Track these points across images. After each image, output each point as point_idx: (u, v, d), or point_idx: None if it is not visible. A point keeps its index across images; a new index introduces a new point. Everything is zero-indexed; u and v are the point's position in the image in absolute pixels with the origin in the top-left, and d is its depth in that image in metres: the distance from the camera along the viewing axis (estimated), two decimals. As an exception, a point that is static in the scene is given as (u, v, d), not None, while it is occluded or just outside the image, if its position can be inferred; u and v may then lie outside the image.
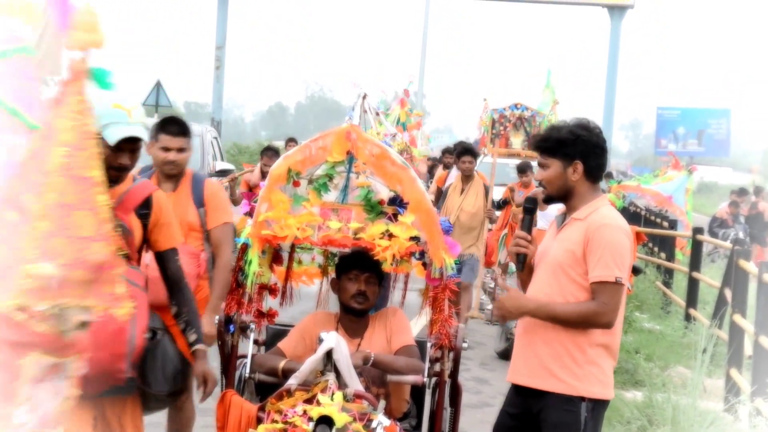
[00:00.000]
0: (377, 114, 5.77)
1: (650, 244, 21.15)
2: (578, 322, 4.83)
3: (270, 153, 12.84)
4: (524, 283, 5.14)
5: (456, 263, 5.34)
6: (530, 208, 5.12)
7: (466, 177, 12.39)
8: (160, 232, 4.63)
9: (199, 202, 6.15)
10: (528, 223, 5.13)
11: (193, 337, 4.72)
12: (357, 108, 5.56)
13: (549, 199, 5.05)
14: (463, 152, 12.39)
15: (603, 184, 30.24)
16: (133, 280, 4.28)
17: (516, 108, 21.22)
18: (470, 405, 9.67)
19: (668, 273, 16.95)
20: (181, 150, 6.11)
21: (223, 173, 14.71)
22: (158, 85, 32.87)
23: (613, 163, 59.95)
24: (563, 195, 4.97)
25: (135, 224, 4.50)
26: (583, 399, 4.85)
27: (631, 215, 27.25)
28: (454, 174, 13.09)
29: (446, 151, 17.36)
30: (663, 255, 18.83)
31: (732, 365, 9.50)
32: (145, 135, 4.39)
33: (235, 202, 12.20)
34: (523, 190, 13.80)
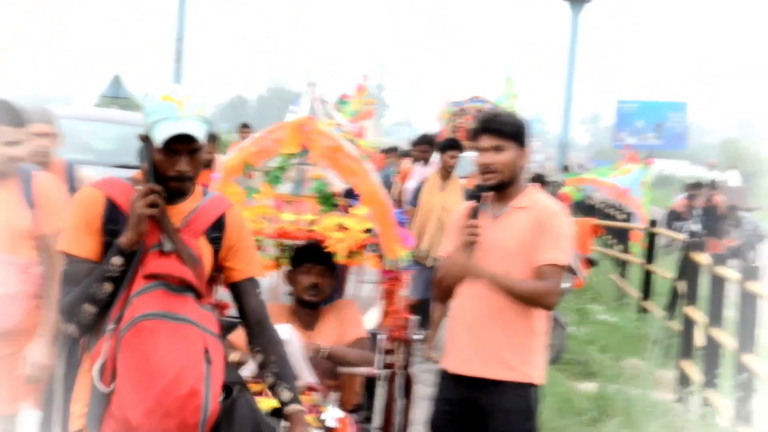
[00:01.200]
0: (324, 103, 5.73)
1: (606, 237, 21.30)
2: (529, 299, 4.84)
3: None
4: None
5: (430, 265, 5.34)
6: (478, 196, 4.99)
7: (446, 173, 11.36)
8: (236, 258, 3.72)
9: (31, 203, 5.03)
10: (478, 211, 5.00)
11: (286, 396, 3.81)
12: (305, 96, 5.51)
13: (501, 186, 4.91)
14: (448, 146, 11.48)
15: (559, 176, 30.36)
16: (205, 324, 3.52)
17: (475, 101, 21.29)
18: (426, 396, 9.70)
19: (624, 265, 17.10)
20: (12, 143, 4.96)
21: None
22: (117, 78, 32.71)
23: (573, 156, 60.17)
24: (508, 182, 4.91)
25: (205, 250, 3.65)
26: (533, 385, 4.93)
27: (588, 208, 27.43)
28: (419, 169, 12.33)
29: (419, 143, 15.61)
30: (619, 247, 18.98)
31: (684, 356, 9.61)
32: (200, 131, 3.53)
33: None
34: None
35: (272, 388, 3.82)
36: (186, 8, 35.47)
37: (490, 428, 4.95)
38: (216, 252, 3.67)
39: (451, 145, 11.44)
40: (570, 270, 11.14)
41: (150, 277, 3.50)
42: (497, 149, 4.86)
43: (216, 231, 3.66)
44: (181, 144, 3.51)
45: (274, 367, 3.79)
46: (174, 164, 3.54)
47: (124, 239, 3.50)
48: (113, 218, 3.57)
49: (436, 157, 11.96)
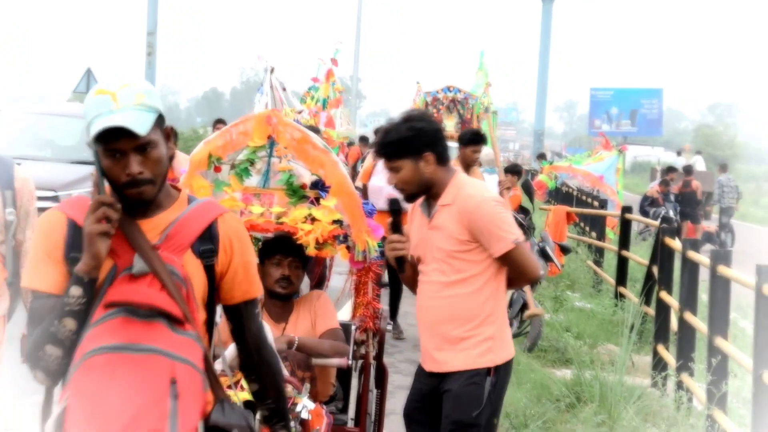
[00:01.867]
0: (284, 89, 5.61)
1: (581, 224, 21.36)
2: (529, 278, 5.10)
3: None
4: (411, 281, 5.18)
5: None
6: (396, 209, 5.07)
7: (467, 168, 10.59)
8: (234, 276, 3.19)
9: None
10: (398, 224, 5.07)
11: None
12: (266, 83, 5.43)
13: (411, 197, 5.05)
14: (470, 141, 10.70)
15: (535, 164, 30.51)
16: (178, 353, 2.99)
17: (449, 91, 21.29)
18: (403, 386, 9.70)
19: (599, 252, 17.14)
20: None
21: None
22: (89, 73, 32.55)
23: (548, 145, 60.30)
24: (424, 189, 5.00)
25: (194, 268, 3.11)
26: (489, 372, 4.94)
27: (563, 195, 27.51)
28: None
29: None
30: (594, 234, 19.02)
31: (659, 341, 9.65)
32: (141, 122, 3.02)
33: None
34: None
35: (267, 420, 3.49)
36: (157, 2, 35.31)
37: (442, 414, 5.04)
38: (209, 268, 3.14)
39: (473, 139, 10.79)
40: (545, 257, 11.17)
41: (111, 305, 2.99)
42: (394, 170, 4.97)
43: (206, 243, 3.13)
44: (125, 141, 3.00)
45: (272, 402, 3.46)
46: (124, 167, 3.02)
47: (80, 266, 2.98)
48: (77, 244, 3.04)
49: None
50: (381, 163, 10.84)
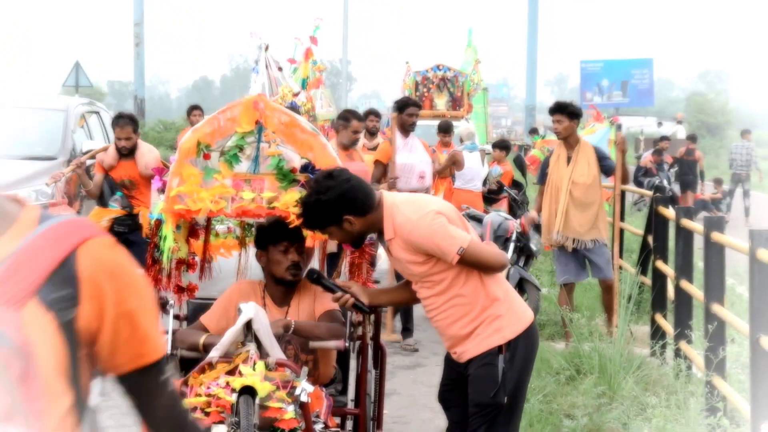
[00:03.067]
0: (280, 69, 5.48)
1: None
2: (496, 267, 5.10)
3: (122, 122, 10.14)
4: (411, 294, 5.30)
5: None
6: (316, 280, 5.31)
7: (567, 141, 10.11)
8: (115, 337, 2.06)
9: None
10: (328, 286, 5.29)
11: None
12: (261, 62, 5.33)
13: (357, 244, 5.28)
14: (556, 110, 10.15)
15: (528, 139, 30.40)
16: None
17: (438, 69, 21.26)
18: (403, 366, 9.75)
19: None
20: None
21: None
22: (77, 66, 32.46)
23: (541, 119, 60.22)
24: (361, 239, 5.20)
25: (41, 328, 1.95)
26: (500, 350, 4.99)
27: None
28: (401, 138, 10.78)
29: (371, 113, 14.87)
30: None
31: (656, 310, 9.67)
32: None
33: (91, 194, 10.47)
34: (446, 149, 13.67)
35: None
36: (143, -7, 35.24)
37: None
38: (66, 325, 1.99)
39: (559, 109, 10.21)
40: (539, 231, 11.17)
41: None
42: (330, 235, 5.18)
43: (60, 287, 1.99)
44: None
45: None
46: None
47: None
48: None
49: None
50: (401, 139, 10.65)
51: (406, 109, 10.75)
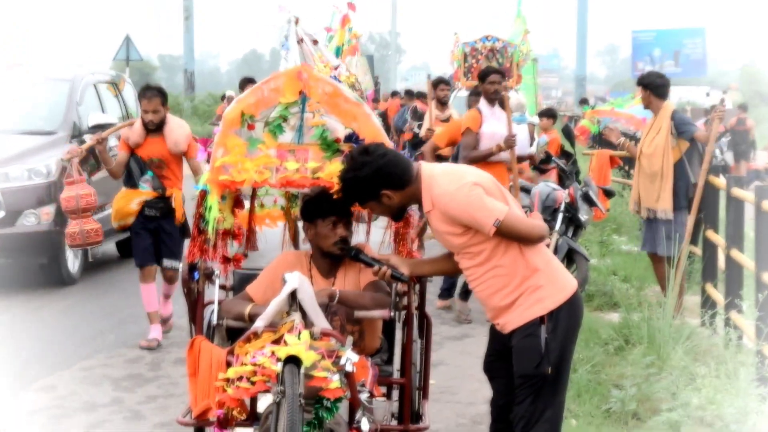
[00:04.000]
0: (315, 42, 5.30)
1: (626, 167, 21.19)
2: (536, 238, 5.05)
3: (149, 94, 9.24)
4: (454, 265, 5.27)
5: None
6: (354, 255, 5.41)
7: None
8: None
9: None
10: (367, 261, 5.35)
11: None
12: (291, 36, 5.18)
13: (398, 217, 5.27)
14: (637, 83, 10.16)
15: (578, 110, 30.26)
16: None
17: (487, 40, 21.11)
18: (451, 337, 9.75)
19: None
20: None
21: (99, 128, 11.46)
22: (128, 40, 32.66)
23: (591, 90, 59.77)
24: (401, 212, 5.20)
25: None
26: (542, 321, 4.97)
27: (607, 140, 27.25)
28: (489, 111, 10.40)
29: (441, 82, 14.25)
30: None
31: (707, 280, 9.58)
32: None
33: (113, 173, 9.39)
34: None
35: None
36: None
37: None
38: None
39: (645, 84, 9.95)
40: (589, 202, 11.09)
41: None
42: (370, 208, 5.22)
43: None
44: None
45: None
46: None
47: None
48: None
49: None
50: (488, 108, 10.45)
51: (488, 78, 10.65)
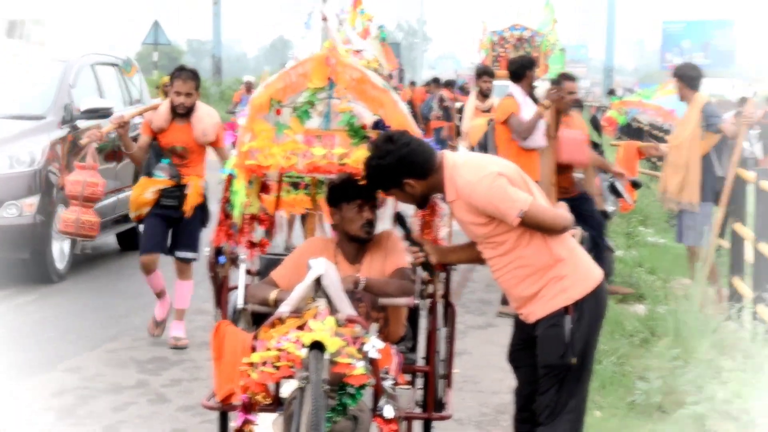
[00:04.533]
0: (340, 23, 5.14)
1: (653, 159, 21.10)
2: (558, 229, 5.02)
3: (184, 75, 8.61)
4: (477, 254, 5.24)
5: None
6: (402, 222, 5.43)
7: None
8: None
9: None
10: (409, 235, 5.36)
11: None
12: (315, 15, 5.05)
13: (422, 205, 5.27)
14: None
15: (605, 100, 30.26)
16: None
17: (515, 29, 21.07)
18: (475, 326, 9.74)
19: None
20: None
21: (94, 113, 11.37)
22: (156, 24, 32.75)
23: (619, 81, 59.47)
24: (425, 201, 5.19)
25: None
26: (566, 311, 4.95)
27: (634, 131, 27.18)
28: (522, 96, 10.24)
29: (485, 73, 13.61)
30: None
31: (734, 273, 9.53)
32: None
33: (135, 158, 8.80)
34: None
35: None
36: (221, -49, 35.33)
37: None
38: None
39: (679, 75, 10.17)
40: (616, 193, 11.04)
41: None
42: (392, 195, 5.24)
43: None
44: None
45: None
46: None
47: None
48: None
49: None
50: (523, 97, 10.34)
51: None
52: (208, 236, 7.60)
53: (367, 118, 5.34)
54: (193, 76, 8.61)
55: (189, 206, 8.63)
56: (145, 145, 8.66)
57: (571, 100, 10.26)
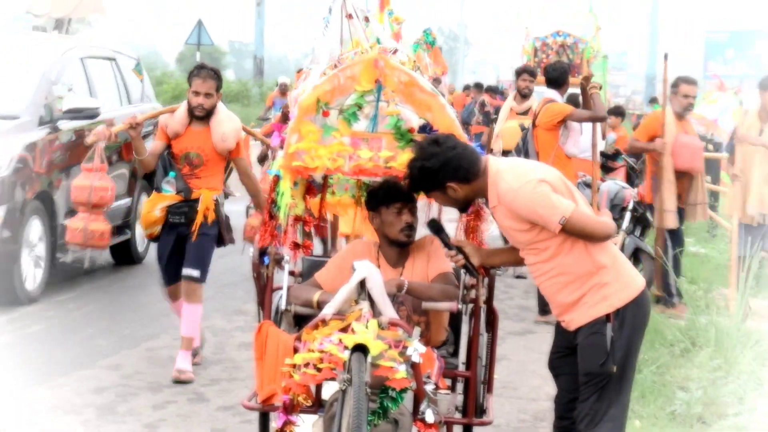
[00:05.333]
0: (366, 19, 4.93)
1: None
2: (601, 236, 4.98)
3: (204, 74, 7.76)
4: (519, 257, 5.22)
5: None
6: (437, 229, 5.33)
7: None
8: None
9: None
10: (445, 240, 5.29)
11: None
12: (335, 10, 4.88)
13: (463, 209, 5.28)
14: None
15: (648, 109, 30.04)
16: None
17: (558, 35, 21.00)
18: (514, 332, 9.71)
19: (714, 196, 16.80)
20: None
21: (78, 113, 10.27)
22: (200, 24, 32.90)
23: (661, 89, 59.02)
24: (467, 205, 5.17)
25: None
26: (607, 319, 4.93)
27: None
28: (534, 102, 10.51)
29: (525, 71, 13.13)
30: (708, 178, 18.60)
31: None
32: None
33: (146, 164, 7.95)
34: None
35: None
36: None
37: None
38: None
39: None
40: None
41: None
42: (434, 198, 5.18)
43: None
44: None
45: None
46: None
47: None
48: None
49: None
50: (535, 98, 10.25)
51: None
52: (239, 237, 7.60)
53: (414, 121, 5.34)
54: (214, 75, 7.78)
55: (196, 223, 7.75)
56: (158, 152, 7.88)
57: (688, 104, 10.20)
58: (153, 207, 7.87)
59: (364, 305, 4.96)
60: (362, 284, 4.98)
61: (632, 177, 12.18)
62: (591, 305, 4.98)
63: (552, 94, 10.21)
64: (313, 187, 5.80)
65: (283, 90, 21.79)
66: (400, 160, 5.18)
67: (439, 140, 4.99)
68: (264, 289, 5.50)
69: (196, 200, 7.76)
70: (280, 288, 5.51)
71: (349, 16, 5.46)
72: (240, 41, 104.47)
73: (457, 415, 5.65)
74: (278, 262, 5.52)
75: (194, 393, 7.50)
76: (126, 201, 11.51)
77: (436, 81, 5.26)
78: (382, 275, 5.13)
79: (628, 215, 10.77)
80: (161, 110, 8.34)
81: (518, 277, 11.49)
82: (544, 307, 9.91)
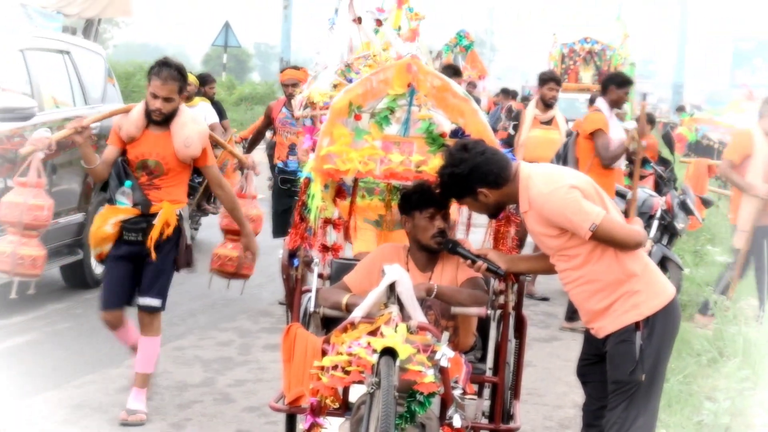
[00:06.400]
0: (378, 22, 4.80)
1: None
2: (630, 245, 4.96)
3: (164, 74, 6.67)
4: (551, 264, 5.21)
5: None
6: (451, 248, 5.38)
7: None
8: None
9: None
10: (464, 254, 5.32)
11: None
12: (342, 11, 4.76)
13: (494, 216, 5.28)
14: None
15: (675, 117, 29.78)
16: None
17: (585, 42, 20.97)
18: (539, 339, 9.69)
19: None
20: None
21: (8, 114, 8.70)
22: (227, 26, 33.00)
23: (688, 98, 58.94)
24: (498, 211, 5.17)
25: None
26: (637, 327, 4.91)
27: (704, 148, 26.87)
28: (608, 110, 10.12)
29: (551, 79, 12.42)
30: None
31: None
32: None
33: (96, 173, 6.87)
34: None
35: None
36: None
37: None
38: None
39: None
40: (686, 210, 10.93)
41: None
42: (465, 204, 5.20)
43: None
44: None
45: None
46: None
47: None
48: None
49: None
50: (609, 112, 10.17)
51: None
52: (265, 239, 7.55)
53: (446, 126, 5.34)
54: (177, 75, 6.70)
55: (152, 238, 6.74)
56: (111, 159, 6.81)
57: None
58: (105, 221, 6.82)
59: (394, 309, 4.95)
60: (392, 288, 4.97)
61: (660, 185, 12.13)
62: (621, 313, 4.97)
63: (600, 102, 10.15)
64: (343, 190, 5.80)
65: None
66: (432, 164, 5.17)
67: (467, 146, 4.99)
68: (293, 291, 5.51)
69: (155, 215, 6.76)
70: (309, 290, 5.52)
71: (358, 20, 5.41)
72: (266, 43, 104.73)
73: (484, 421, 5.65)
74: (307, 264, 5.52)
75: (220, 393, 7.52)
76: (78, 216, 10.07)
77: (471, 85, 5.20)
78: (411, 279, 5.12)
79: (655, 223, 10.73)
80: (112, 111, 7.29)
81: (543, 299, 11.41)
82: (572, 314, 9.87)
